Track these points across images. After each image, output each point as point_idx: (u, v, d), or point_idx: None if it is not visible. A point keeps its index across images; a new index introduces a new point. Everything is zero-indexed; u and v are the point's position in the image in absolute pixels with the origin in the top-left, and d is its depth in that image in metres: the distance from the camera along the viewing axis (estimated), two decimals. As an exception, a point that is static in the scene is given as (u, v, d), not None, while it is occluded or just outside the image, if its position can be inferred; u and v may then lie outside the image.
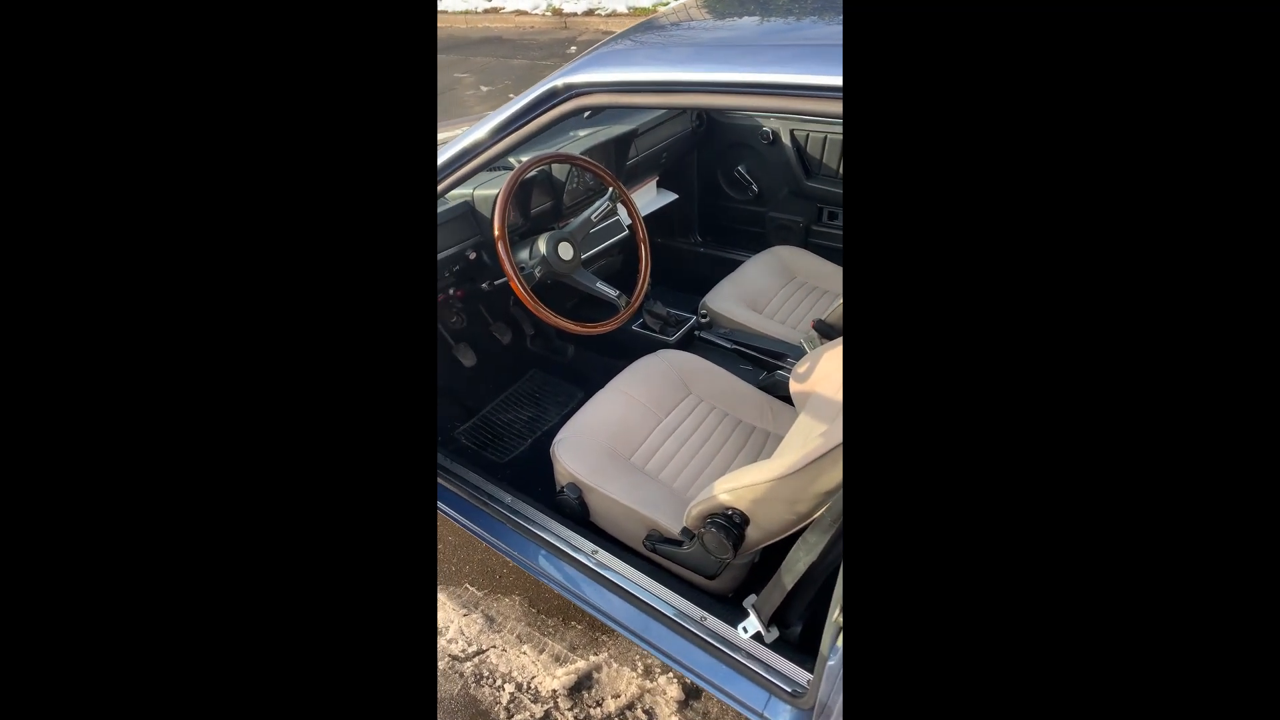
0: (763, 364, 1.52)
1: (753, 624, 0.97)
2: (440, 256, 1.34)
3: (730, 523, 0.96)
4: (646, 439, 1.28)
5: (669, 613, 1.06)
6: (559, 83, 0.81)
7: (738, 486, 0.93)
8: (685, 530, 1.06)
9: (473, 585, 1.54)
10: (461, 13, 7.24)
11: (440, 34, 6.81)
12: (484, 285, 1.43)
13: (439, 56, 5.94)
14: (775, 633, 0.97)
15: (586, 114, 1.73)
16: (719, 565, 1.04)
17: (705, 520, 0.99)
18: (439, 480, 1.36)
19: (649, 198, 2.01)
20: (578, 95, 0.81)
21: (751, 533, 0.97)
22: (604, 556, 1.16)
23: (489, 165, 0.98)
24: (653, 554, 1.14)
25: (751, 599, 0.99)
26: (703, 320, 1.64)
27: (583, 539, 1.19)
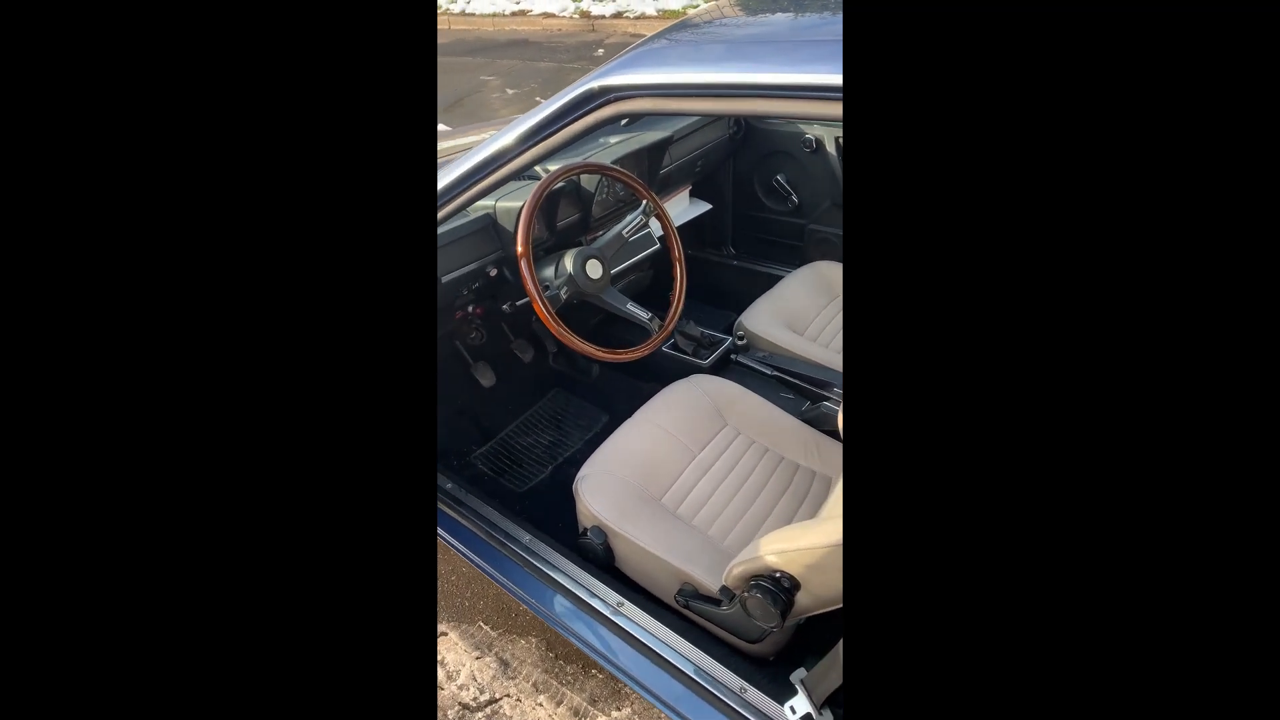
0: (805, 393, 1.40)
1: (802, 704, 0.85)
2: (458, 273, 1.24)
3: (778, 587, 0.85)
4: (679, 477, 1.17)
5: (703, 680, 0.94)
6: (595, 85, 0.70)
7: (788, 549, 0.81)
8: (725, 589, 0.94)
9: (487, 624, 1.44)
10: (489, 15, 7.22)
11: (467, 36, 6.80)
12: (505, 306, 1.33)
13: (466, 59, 5.91)
14: (829, 717, 0.85)
15: (624, 121, 1.62)
16: (762, 632, 0.92)
17: (749, 581, 0.87)
18: (452, 513, 1.26)
19: (681, 208, 1.90)
20: (616, 100, 0.70)
21: (802, 599, 0.85)
22: (630, 610, 1.04)
23: (515, 176, 0.88)
24: (685, 610, 1.02)
25: (800, 674, 0.87)
26: (739, 342, 1.51)
27: (607, 588, 1.08)
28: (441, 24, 7.51)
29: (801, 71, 0.63)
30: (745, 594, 0.87)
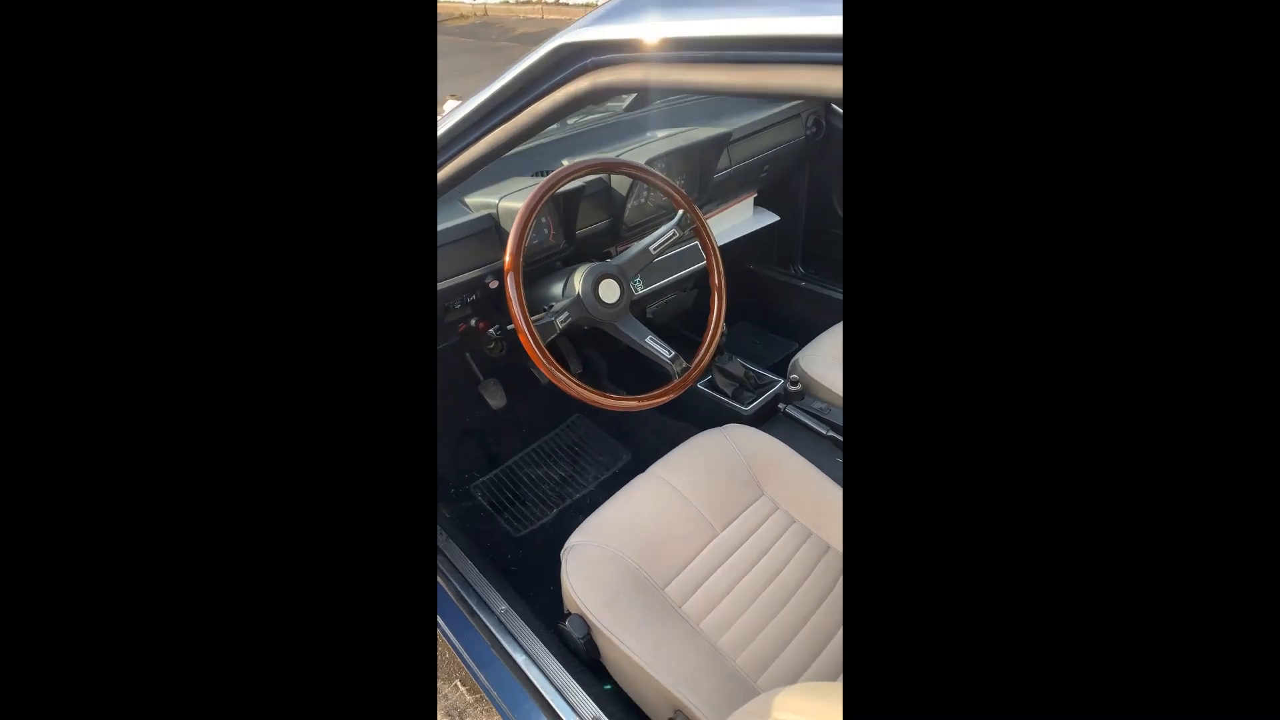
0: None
1: None
2: (452, 283, 1.04)
3: (792, 770, 0.60)
4: (691, 562, 0.93)
5: None
6: (562, 41, 0.47)
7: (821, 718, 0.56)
8: (724, 743, 0.70)
9: (464, 684, 1.24)
10: (582, 5, 7.12)
11: (558, 25, 6.73)
12: (492, 329, 1.12)
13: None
14: None
15: (625, 106, 1.39)
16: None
17: (754, 749, 0.63)
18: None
19: (743, 217, 1.64)
20: (593, 67, 0.46)
21: (825, 792, 0.59)
22: (610, 731, 0.82)
23: (473, 169, 0.66)
24: (676, 748, 0.79)
25: None
26: (792, 388, 1.25)
27: (586, 696, 0.85)
28: (535, 13, 7.52)
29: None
30: (748, 766, 0.63)
